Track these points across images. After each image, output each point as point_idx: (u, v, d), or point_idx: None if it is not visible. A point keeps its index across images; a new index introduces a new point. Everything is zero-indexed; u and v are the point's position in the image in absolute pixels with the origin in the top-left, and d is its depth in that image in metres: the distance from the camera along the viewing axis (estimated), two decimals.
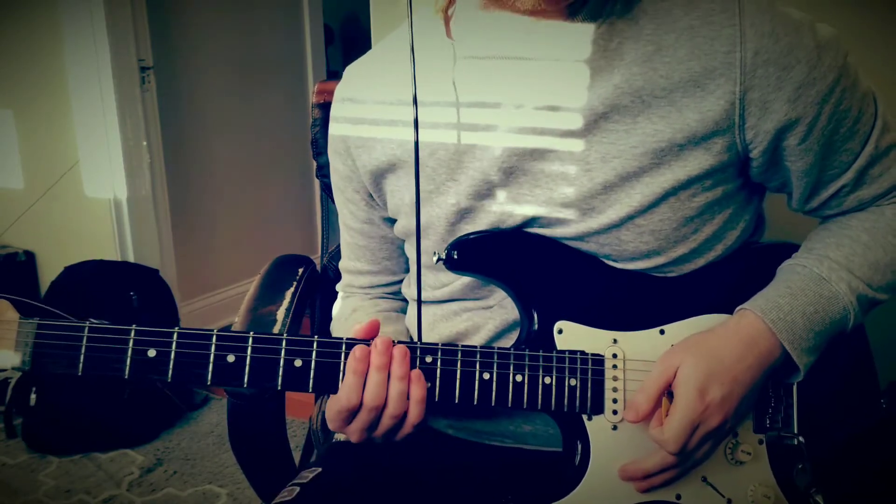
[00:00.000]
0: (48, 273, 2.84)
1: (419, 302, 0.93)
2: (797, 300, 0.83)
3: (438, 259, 0.86)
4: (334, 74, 4.54)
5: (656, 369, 0.81)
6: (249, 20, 3.24)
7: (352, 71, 1.02)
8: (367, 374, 0.79)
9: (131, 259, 2.75)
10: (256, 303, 1.22)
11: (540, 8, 0.81)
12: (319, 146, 1.33)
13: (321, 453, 1.11)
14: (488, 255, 0.87)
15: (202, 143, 3.13)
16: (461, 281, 0.93)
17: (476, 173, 0.88)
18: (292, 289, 1.25)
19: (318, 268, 1.40)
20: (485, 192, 0.88)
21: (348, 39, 4.88)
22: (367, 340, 0.80)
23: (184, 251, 3.05)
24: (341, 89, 1.01)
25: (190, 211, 3.10)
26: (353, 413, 0.80)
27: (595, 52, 0.83)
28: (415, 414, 0.80)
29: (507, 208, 0.88)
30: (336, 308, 1.12)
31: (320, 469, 0.97)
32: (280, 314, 1.20)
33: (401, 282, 1.09)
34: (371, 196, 1.00)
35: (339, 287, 1.14)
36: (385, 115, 0.94)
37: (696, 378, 0.79)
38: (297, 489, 0.93)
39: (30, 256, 2.94)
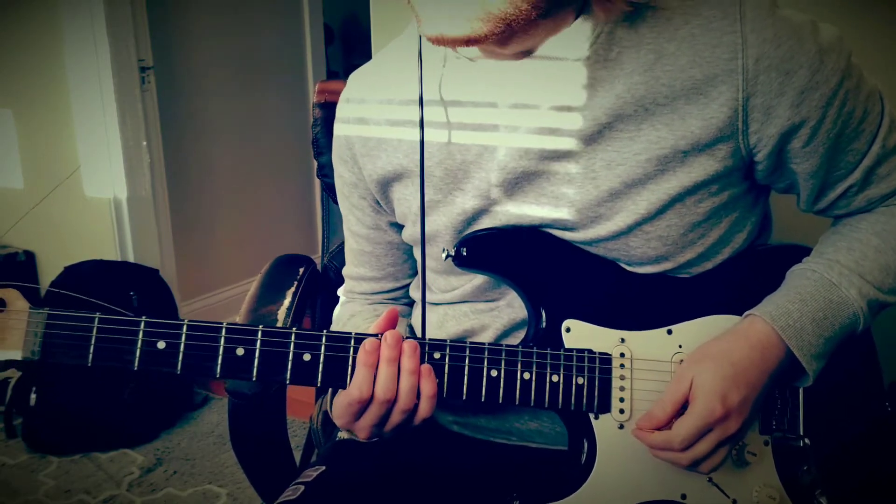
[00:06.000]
0: (48, 273, 2.83)
1: (423, 305, 0.92)
2: (807, 306, 0.83)
3: (448, 256, 0.86)
4: (334, 74, 4.55)
5: (672, 385, 0.81)
6: (249, 20, 3.24)
7: (356, 77, 1.01)
8: (377, 368, 0.79)
9: (131, 259, 2.74)
10: (257, 303, 1.22)
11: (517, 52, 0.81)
12: (320, 146, 1.33)
13: (324, 452, 1.10)
14: (497, 252, 0.87)
15: (202, 143, 3.12)
16: (472, 284, 0.93)
17: (482, 183, 0.88)
18: (293, 288, 1.25)
19: (319, 267, 1.40)
20: (491, 202, 0.88)
21: (348, 39, 4.88)
22: (377, 335, 0.80)
23: (184, 251, 3.05)
24: (346, 97, 1.01)
25: (190, 211, 3.10)
26: (363, 407, 0.80)
27: (596, 63, 0.83)
28: (425, 409, 0.80)
29: (513, 217, 0.88)
30: (336, 312, 1.12)
31: (324, 467, 0.97)
32: (281, 314, 1.20)
33: (403, 287, 1.09)
34: (378, 202, 1.00)
35: (340, 292, 1.14)
36: (390, 122, 0.94)
37: (715, 384, 0.78)
38: (302, 488, 0.92)
39: (30, 256, 2.93)
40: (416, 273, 1.08)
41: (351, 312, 1.08)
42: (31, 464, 2.29)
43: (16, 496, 2.13)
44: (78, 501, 2.10)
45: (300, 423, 2.28)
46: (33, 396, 2.34)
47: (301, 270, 1.31)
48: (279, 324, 1.17)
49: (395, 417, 0.80)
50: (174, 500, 2.10)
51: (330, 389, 0.91)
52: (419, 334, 0.99)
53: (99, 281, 2.51)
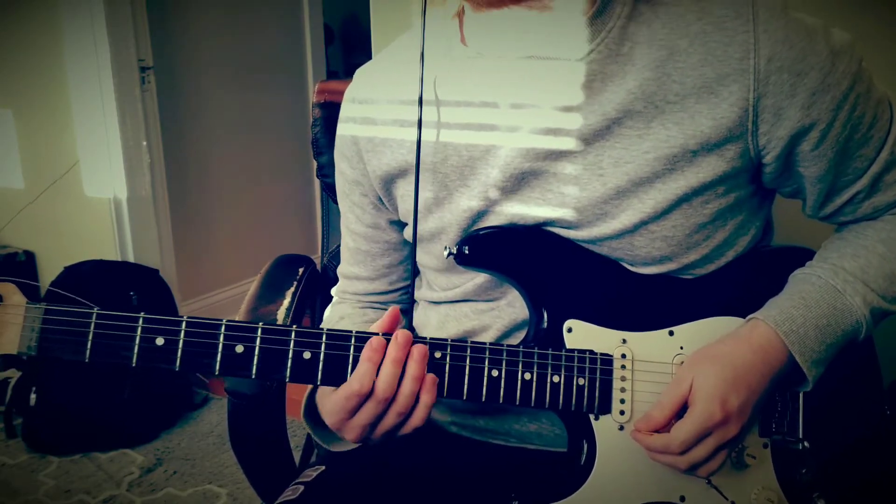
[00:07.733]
0: (48, 273, 2.83)
1: (411, 300, 0.92)
2: (811, 312, 0.82)
3: (450, 254, 0.86)
4: (334, 74, 4.55)
5: (671, 387, 0.81)
6: (249, 20, 3.24)
7: (362, 73, 1.01)
8: (380, 365, 0.78)
9: (131, 259, 2.74)
10: (257, 302, 1.22)
11: None
12: (320, 146, 1.33)
13: (324, 452, 1.10)
14: (500, 251, 0.87)
15: (202, 143, 3.12)
16: (473, 282, 0.93)
17: (488, 178, 0.87)
18: (293, 288, 1.25)
19: (319, 267, 1.40)
20: (496, 197, 0.88)
21: (348, 39, 4.88)
22: (375, 333, 0.80)
23: (184, 251, 3.05)
24: (351, 92, 1.00)
25: (190, 211, 3.10)
26: (361, 402, 0.79)
27: (607, 57, 0.82)
28: (419, 417, 0.79)
29: (518, 213, 0.87)
30: (326, 312, 1.12)
31: (324, 467, 0.97)
32: (280, 314, 1.20)
33: (395, 291, 1.08)
34: (380, 199, 0.99)
35: (333, 291, 1.13)
36: (396, 119, 0.94)
37: (715, 387, 0.78)
38: (302, 488, 0.93)
39: (30, 256, 2.94)
40: (409, 279, 1.07)
41: (341, 315, 1.07)
42: (31, 464, 2.29)
43: (16, 496, 2.13)
44: (78, 501, 2.10)
45: (300, 424, 2.28)
46: (33, 396, 2.34)
47: (301, 270, 1.31)
48: (278, 323, 1.17)
49: (390, 419, 0.79)
50: (174, 500, 2.10)
51: (310, 388, 0.91)
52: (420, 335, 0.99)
53: (99, 281, 2.51)
